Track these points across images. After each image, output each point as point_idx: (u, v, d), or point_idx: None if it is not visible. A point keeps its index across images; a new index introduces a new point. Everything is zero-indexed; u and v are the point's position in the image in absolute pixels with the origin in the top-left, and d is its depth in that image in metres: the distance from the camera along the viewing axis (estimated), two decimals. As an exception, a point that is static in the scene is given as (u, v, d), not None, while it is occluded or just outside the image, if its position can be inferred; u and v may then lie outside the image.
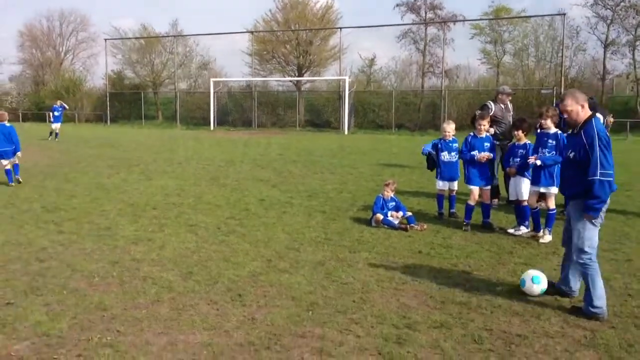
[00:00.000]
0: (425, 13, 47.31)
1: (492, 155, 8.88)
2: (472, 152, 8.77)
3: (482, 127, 8.94)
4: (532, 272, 5.81)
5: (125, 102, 51.40)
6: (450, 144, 9.45)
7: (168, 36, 53.29)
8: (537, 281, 5.66)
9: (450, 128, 9.44)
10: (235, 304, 5.51)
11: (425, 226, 8.67)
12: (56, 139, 27.83)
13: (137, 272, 6.48)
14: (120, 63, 54.58)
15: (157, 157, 19.89)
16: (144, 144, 25.96)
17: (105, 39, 52.26)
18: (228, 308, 5.39)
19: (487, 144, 8.85)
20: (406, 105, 42.81)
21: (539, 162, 7.90)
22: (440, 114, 37.75)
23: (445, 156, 9.47)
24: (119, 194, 11.70)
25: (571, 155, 5.44)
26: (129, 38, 54.05)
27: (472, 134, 8.99)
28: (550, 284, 5.79)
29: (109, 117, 49.61)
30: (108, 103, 50.03)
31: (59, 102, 30.16)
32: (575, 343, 4.66)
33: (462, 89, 43.53)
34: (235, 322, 5.06)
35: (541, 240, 7.95)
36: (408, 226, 8.66)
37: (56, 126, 28.65)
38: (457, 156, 9.40)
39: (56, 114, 28.90)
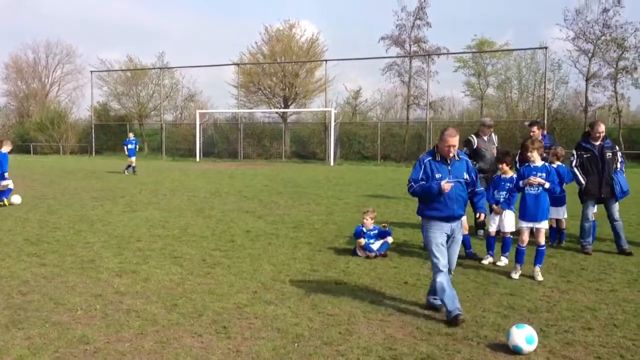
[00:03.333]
0: (410, 46, 47.90)
1: None
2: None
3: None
4: (522, 333, 5.10)
5: (111, 134, 51.28)
6: None
7: (154, 68, 53.48)
8: (531, 342, 5.08)
9: None
10: (220, 336, 5.45)
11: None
12: (134, 173, 26.81)
13: (121, 304, 6.41)
14: (106, 95, 54.64)
15: (142, 188, 19.80)
16: (129, 176, 25.85)
17: (92, 71, 52.37)
18: (213, 341, 5.34)
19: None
20: (391, 136, 43.12)
21: (547, 185, 7.69)
22: (425, 146, 38.00)
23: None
24: (103, 226, 11.62)
25: None
26: (115, 70, 54.20)
27: None
28: None
29: (94, 149, 49.47)
30: (93, 134, 49.91)
31: (131, 135, 29.05)
32: (561, 374, 4.66)
33: (446, 121, 43.99)
34: (220, 354, 5.00)
35: (513, 275, 7.75)
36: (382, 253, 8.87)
37: (132, 160, 27.51)
38: None
39: (130, 147, 27.85)
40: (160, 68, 52.80)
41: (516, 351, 5.05)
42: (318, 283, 7.37)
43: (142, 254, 9.05)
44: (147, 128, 54.48)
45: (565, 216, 10.05)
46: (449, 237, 6.26)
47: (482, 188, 6.70)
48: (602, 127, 9.41)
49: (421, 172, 6.20)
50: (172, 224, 12.00)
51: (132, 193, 18.12)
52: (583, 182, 9.41)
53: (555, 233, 9.99)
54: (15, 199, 15.02)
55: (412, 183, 6.23)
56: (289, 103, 48.78)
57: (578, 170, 9.48)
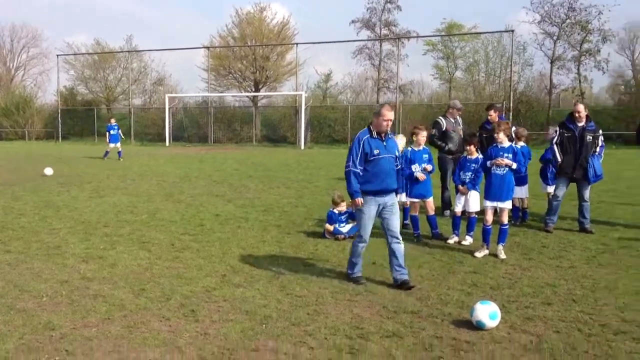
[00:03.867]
0: (380, 29, 48.00)
1: (431, 166, 9.02)
2: (413, 167, 8.91)
3: (421, 139, 9.08)
4: (486, 309, 5.23)
5: (78, 119, 50.45)
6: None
7: (122, 52, 52.72)
8: (494, 317, 5.21)
9: (400, 141, 9.59)
10: (188, 319, 5.49)
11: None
12: (120, 159, 26.39)
13: (87, 290, 6.39)
14: (72, 79, 53.72)
15: (110, 173, 19.60)
16: (97, 161, 25.54)
17: (58, 55, 51.38)
18: (181, 324, 5.37)
19: (425, 156, 8.99)
20: (362, 119, 43.09)
21: (514, 165, 7.84)
22: (395, 128, 38.20)
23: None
24: (70, 212, 11.50)
25: None
26: (82, 54, 53.31)
27: (409, 148, 9.13)
28: None
29: (60, 134, 48.65)
30: (60, 120, 49.05)
31: (113, 121, 28.24)
32: (521, 348, 4.80)
33: (416, 104, 44.24)
34: (188, 337, 5.04)
35: (476, 254, 7.90)
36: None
37: (115, 145, 26.95)
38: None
39: (112, 132, 27.20)
40: (129, 51, 52.11)
41: (479, 327, 5.18)
42: (287, 265, 7.43)
43: (110, 239, 9.01)
44: (115, 112, 53.66)
45: (527, 195, 10.25)
46: (383, 209, 6.69)
47: (401, 166, 7.08)
48: (579, 107, 9.54)
49: (360, 151, 6.60)
50: (141, 209, 11.94)
51: (100, 178, 17.93)
52: (559, 159, 9.56)
53: (518, 212, 10.19)
54: None
55: (350, 163, 6.61)
56: (260, 87, 48.51)
57: (557, 147, 9.63)
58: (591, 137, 9.44)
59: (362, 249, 6.83)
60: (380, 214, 6.75)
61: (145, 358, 4.62)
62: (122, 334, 5.13)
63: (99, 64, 52.79)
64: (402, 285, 6.46)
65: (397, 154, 6.83)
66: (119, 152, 26.89)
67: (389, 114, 6.56)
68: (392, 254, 6.71)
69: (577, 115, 9.46)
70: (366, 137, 6.65)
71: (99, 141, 44.28)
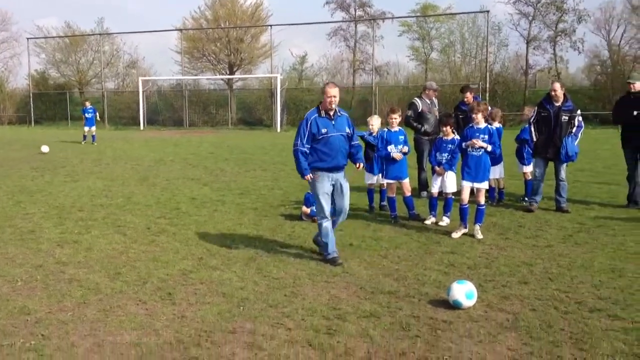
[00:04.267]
0: (355, 10, 47.77)
1: (407, 148, 9.01)
2: (388, 148, 8.90)
3: (394, 120, 9.05)
4: (462, 289, 5.24)
5: (50, 103, 49.49)
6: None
7: (93, 34, 51.71)
8: (470, 297, 5.24)
9: (374, 122, 9.59)
10: (165, 302, 5.44)
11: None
12: (93, 143, 26.09)
13: (63, 275, 6.30)
14: (44, 63, 52.48)
15: (84, 158, 19.33)
16: (70, 145, 25.16)
17: (28, 38, 50.24)
18: (157, 307, 5.32)
19: (401, 137, 8.98)
20: (338, 102, 43.12)
21: (489, 148, 7.89)
22: (371, 110, 38.20)
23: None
24: (44, 197, 11.32)
25: None
26: (53, 37, 52.15)
27: (386, 129, 9.12)
28: None
29: (32, 119, 47.76)
30: (32, 104, 48.11)
31: (88, 104, 27.82)
32: (498, 326, 4.85)
33: (392, 85, 44.21)
34: (165, 320, 5.00)
35: (454, 235, 7.92)
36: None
37: (90, 129, 26.60)
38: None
39: (87, 115, 26.79)
40: (100, 34, 51.12)
41: (456, 306, 5.22)
42: (264, 248, 7.40)
43: (84, 223, 8.89)
44: (88, 96, 52.75)
45: (503, 175, 10.31)
46: (334, 186, 6.94)
47: (358, 142, 7.24)
48: (556, 86, 9.58)
49: (307, 130, 6.80)
50: (115, 193, 11.80)
51: (74, 163, 17.68)
52: (535, 138, 9.63)
53: (494, 192, 10.26)
54: None
55: (298, 142, 6.82)
56: (235, 69, 48.05)
57: (533, 127, 9.68)
58: (567, 117, 9.48)
59: (328, 225, 6.89)
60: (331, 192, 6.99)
61: (121, 341, 4.57)
62: (98, 317, 5.08)
63: (70, 47, 51.72)
64: (332, 262, 6.73)
65: (347, 131, 6.96)
66: (93, 136, 26.57)
67: (331, 91, 6.75)
68: (335, 227, 7.14)
69: (553, 94, 9.51)
70: (314, 116, 6.86)
71: (72, 125, 43.64)
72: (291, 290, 5.78)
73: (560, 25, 41.44)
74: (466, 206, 8.00)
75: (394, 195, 9.00)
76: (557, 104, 9.52)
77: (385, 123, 9.32)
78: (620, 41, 41.83)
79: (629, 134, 9.94)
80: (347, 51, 47.20)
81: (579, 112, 9.75)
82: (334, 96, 6.78)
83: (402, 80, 46.60)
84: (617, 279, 6.03)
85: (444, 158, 8.79)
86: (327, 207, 6.88)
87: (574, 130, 9.54)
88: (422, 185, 11.04)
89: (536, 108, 9.83)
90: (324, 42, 68.23)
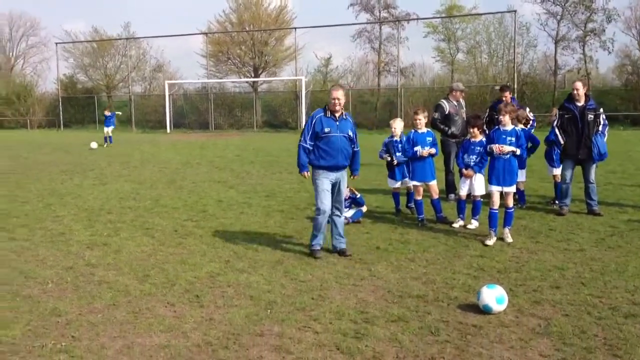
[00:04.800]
0: (379, 12, 47.59)
1: (435, 150, 8.89)
2: (415, 148, 8.81)
3: (419, 121, 8.95)
4: (492, 293, 5.16)
5: (79, 107, 50.28)
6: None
7: (120, 39, 52.37)
8: (501, 302, 5.15)
9: (397, 125, 9.49)
10: (192, 305, 5.46)
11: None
12: (110, 144, 27.22)
13: (92, 277, 6.37)
14: (72, 67, 53.39)
15: (112, 161, 19.56)
16: (99, 149, 25.48)
17: (57, 43, 51.15)
18: (185, 309, 5.34)
19: (429, 139, 8.88)
20: (363, 104, 43.08)
21: (518, 152, 7.80)
22: (397, 112, 38.06)
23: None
24: (73, 199, 11.47)
25: None
26: (81, 41, 52.98)
27: (413, 130, 9.03)
28: None
29: (62, 122, 48.55)
30: (61, 108, 48.94)
31: (107, 112, 29.03)
32: (529, 332, 4.76)
33: (418, 87, 44.01)
34: (193, 323, 5.01)
35: (487, 242, 7.66)
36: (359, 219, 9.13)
37: (108, 130, 27.85)
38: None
39: (107, 117, 28.30)
40: (127, 38, 51.75)
41: (486, 311, 5.14)
42: (290, 250, 7.39)
43: (113, 226, 8.98)
44: (116, 100, 53.50)
45: (525, 179, 10.14)
46: (334, 185, 7.22)
47: (359, 149, 7.56)
48: (578, 85, 9.43)
49: (312, 128, 7.12)
50: (143, 195, 11.90)
51: (102, 166, 17.90)
52: (562, 142, 9.47)
53: (524, 195, 10.11)
54: None
55: (302, 139, 7.18)
56: (259, 72, 48.26)
57: (559, 130, 9.51)
58: (592, 116, 9.32)
59: (322, 220, 7.17)
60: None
61: (150, 343, 4.59)
62: (128, 319, 5.11)
63: (98, 51, 52.49)
64: (341, 253, 7.16)
65: (350, 134, 7.22)
66: (110, 138, 27.45)
67: (335, 94, 7.06)
68: (334, 225, 7.34)
69: (575, 93, 9.35)
70: (319, 115, 7.17)
71: (100, 128, 44.16)
72: (318, 294, 5.75)
73: (590, 25, 40.75)
74: (496, 211, 7.83)
75: (422, 198, 8.92)
76: (580, 104, 9.36)
77: (412, 125, 9.25)
78: (651, 40, 41.04)
79: None
80: (371, 53, 47.08)
81: (601, 110, 9.60)
82: (338, 98, 7.05)
83: (427, 82, 46.35)
84: (652, 283, 5.89)
85: (472, 160, 8.67)
86: (326, 203, 7.15)
87: (600, 128, 9.38)
88: (450, 187, 10.93)
89: (558, 111, 9.67)
90: (348, 44, 68.16)
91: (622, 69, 42.55)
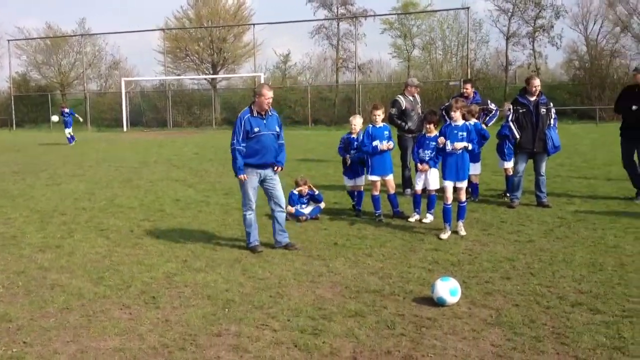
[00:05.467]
0: (337, 9, 47.70)
1: (392, 144, 8.98)
2: (374, 143, 8.88)
3: (377, 117, 9.03)
4: (446, 286, 5.28)
5: (32, 106, 48.98)
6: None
7: (75, 35, 51.25)
8: (454, 294, 5.27)
9: (357, 122, 9.50)
10: (148, 306, 5.42)
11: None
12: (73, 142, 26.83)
13: (45, 280, 6.26)
14: (25, 65, 51.96)
15: (66, 160, 19.18)
16: (53, 148, 24.95)
17: (9, 40, 49.69)
18: (141, 311, 5.30)
19: (386, 133, 8.96)
20: (322, 100, 43.13)
21: (470, 146, 7.94)
22: (355, 108, 38.24)
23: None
24: (25, 201, 11.22)
25: None
26: (34, 38, 51.60)
27: (371, 125, 9.10)
28: None
29: (14, 122, 47.28)
30: (13, 107, 47.63)
31: (66, 108, 28.50)
32: (481, 322, 4.88)
33: (375, 83, 44.34)
34: (149, 325, 4.98)
35: (442, 236, 7.78)
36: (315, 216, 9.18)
37: (69, 130, 27.30)
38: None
39: (66, 118, 27.63)
40: (82, 35, 50.64)
41: (440, 303, 5.24)
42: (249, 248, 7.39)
43: (67, 227, 8.83)
44: (71, 98, 52.37)
45: (479, 172, 10.33)
46: (264, 181, 7.40)
47: (284, 141, 7.66)
48: (537, 81, 9.69)
49: (242, 129, 7.19)
50: (98, 195, 11.72)
51: (56, 166, 17.53)
52: (518, 136, 9.66)
53: (477, 189, 10.30)
54: None
55: (234, 141, 7.20)
56: (218, 69, 47.91)
57: (514, 124, 9.71)
58: (545, 110, 9.59)
59: (252, 217, 7.39)
60: (263, 185, 7.46)
61: (105, 347, 4.55)
62: (81, 323, 5.04)
63: (52, 48, 51.24)
64: (288, 247, 7.35)
65: (277, 130, 7.43)
66: (71, 137, 26.95)
67: (269, 94, 7.22)
68: (275, 220, 7.46)
69: (533, 89, 9.59)
70: (247, 116, 7.26)
71: (54, 128, 43.24)
72: (276, 291, 5.78)
73: (539, 21, 41.78)
74: (450, 206, 7.96)
75: (379, 193, 9.01)
76: (533, 99, 9.61)
77: (370, 120, 9.30)
78: (597, 36, 42.18)
79: (629, 126, 10.00)
80: (330, 49, 47.17)
81: (551, 104, 9.96)
82: (271, 98, 7.25)
83: (385, 78, 46.78)
84: (598, 272, 6.09)
85: (427, 155, 8.81)
86: (253, 200, 7.37)
87: (551, 122, 9.67)
88: (406, 182, 11.07)
89: (511, 106, 9.88)
90: (307, 41, 68.09)
91: (569, 64, 43.73)
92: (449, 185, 8.02)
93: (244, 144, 7.21)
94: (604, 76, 38.94)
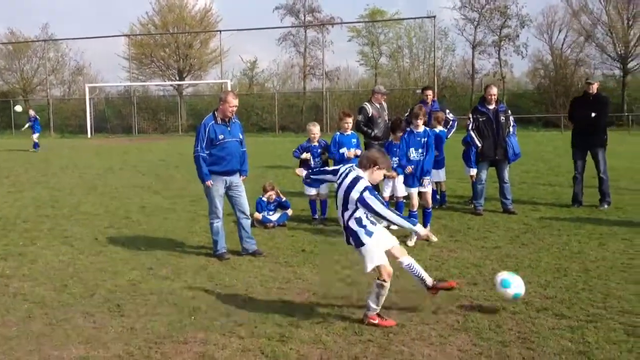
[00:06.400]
0: (304, 16, 47.89)
1: (359, 151, 9.03)
2: (341, 150, 8.92)
3: (348, 124, 9.09)
4: (503, 277, 5.30)
5: (-7, 111, 47.99)
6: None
7: (38, 41, 50.35)
8: (506, 285, 5.23)
9: (317, 130, 9.46)
10: (113, 315, 5.33)
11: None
12: (36, 150, 26.17)
13: (7, 288, 6.11)
14: (-14, 71, 50.89)
15: (29, 167, 18.79)
16: (15, 155, 24.42)
17: (-31, 45, 48.62)
18: (105, 320, 5.20)
19: (354, 141, 9.02)
20: (289, 107, 43.18)
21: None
22: (322, 115, 38.36)
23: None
24: (-14, 208, 10.96)
25: None
26: (-5, 43, 50.60)
27: (338, 133, 9.13)
28: None
29: (-26, 128, 46.17)
30: (-27, 113, 46.54)
31: (32, 112, 28.13)
32: (448, 328, 4.91)
33: (343, 91, 44.56)
34: (114, 333, 4.89)
35: (409, 243, 7.76)
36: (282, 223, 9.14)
37: (35, 135, 26.81)
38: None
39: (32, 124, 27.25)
40: (45, 40, 49.79)
41: (516, 298, 5.24)
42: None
43: (29, 235, 8.64)
44: (33, 104, 51.31)
45: (445, 179, 10.44)
46: (229, 188, 7.35)
47: (245, 149, 7.66)
48: (494, 90, 9.86)
49: (206, 137, 7.13)
50: (62, 203, 11.50)
51: (18, 172, 17.17)
52: (479, 144, 9.78)
53: (437, 195, 10.38)
54: None
55: (198, 148, 7.14)
56: (184, 75, 47.60)
57: (474, 133, 9.84)
58: (504, 118, 9.76)
59: (219, 224, 7.33)
60: (228, 193, 7.40)
61: (68, 356, 4.45)
62: (44, 332, 4.93)
63: (14, 54, 50.27)
64: (255, 254, 7.28)
65: (241, 137, 7.44)
66: (36, 143, 26.52)
67: (234, 101, 7.20)
68: (242, 228, 7.42)
69: (490, 97, 9.75)
70: (211, 123, 7.21)
71: (16, 134, 42.35)
72: (243, 298, 5.74)
73: (505, 30, 42.66)
74: (416, 212, 8.06)
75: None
76: (492, 107, 9.76)
77: (338, 127, 9.34)
78: (562, 45, 43.15)
79: (581, 134, 10.15)
80: (297, 56, 47.32)
81: (509, 112, 10.14)
82: (236, 106, 7.22)
83: (352, 86, 47.02)
84: (562, 278, 6.20)
85: (394, 162, 8.85)
86: (220, 208, 7.31)
87: (510, 129, 9.84)
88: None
89: (471, 115, 10.02)
90: (274, 48, 68.02)
91: (535, 73, 44.67)
92: (413, 191, 8.11)
93: (207, 151, 7.16)
94: (568, 85, 39.85)
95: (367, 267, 5.10)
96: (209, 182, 7.21)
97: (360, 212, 5.07)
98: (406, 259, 5.39)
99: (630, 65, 41.14)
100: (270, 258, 7.19)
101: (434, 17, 39.63)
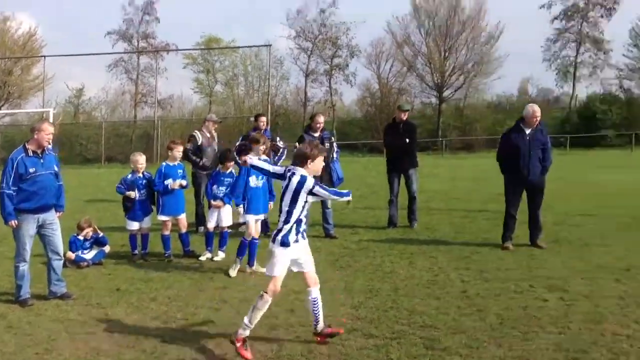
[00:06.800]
0: (138, 42, 46.58)
1: (185, 182, 8.82)
2: (166, 182, 8.63)
3: (179, 153, 8.89)
4: None
5: None
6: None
7: None
8: None
9: (142, 160, 9.06)
10: None
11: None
12: None
13: None
14: None
15: None
16: None
17: None
18: None
19: (180, 171, 8.80)
20: (118, 136, 41.46)
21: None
22: (153, 145, 37.24)
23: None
24: None
25: None
26: None
27: (164, 163, 8.86)
28: None
29: None
30: None
31: None
32: (262, 357, 4.88)
33: (176, 119, 43.72)
34: None
35: (231, 272, 7.70)
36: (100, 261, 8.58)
37: None
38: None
39: None
40: None
41: None
42: (15, 302, 6.67)
43: None
44: None
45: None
46: (42, 227, 6.73)
47: (62, 182, 7.11)
48: (321, 119, 10.19)
49: (14, 172, 6.45)
50: None
51: None
52: None
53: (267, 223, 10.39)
54: None
55: (4, 185, 6.44)
56: (1, 104, 44.04)
57: None
58: (328, 144, 10.06)
59: (25, 268, 6.71)
60: (40, 232, 6.76)
61: None
62: None
63: None
64: (64, 297, 6.75)
65: (56, 169, 6.83)
66: None
67: (50, 129, 6.60)
68: (52, 270, 6.83)
69: (317, 125, 10.04)
70: (21, 156, 6.54)
71: None
72: (45, 347, 5.27)
73: (335, 60, 44.55)
74: (247, 241, 7.81)
75: (169, 232, 8.73)
76: (317, 134, 10.06)
77: (167, 157, 9.01)
78: (388, 75, 45.94)
79: (395, 159, 10.71)
80: (129, 83, 45.80)
81: (333, 138, 10.58)
82: (52, 133, 6.63)
83: (186, 114, 46.32)
84: (374, 298, 6.44)
85: (221, 192, 8.72)
86: (29, 250, 6.71)
87: (334, 155, 10.18)
88: (200, 220, 10.86)
89: (297, 143, 10.19)
90: (104, 74, 65.16)
91: (363, 101, 47.12)
92: (254, 218, 7.86)
93: (14, 188, 6.45)
94: (391, 112, 42.21)
95: (267, 269, 5.31)
96: (12, 223, 6.50)
97: (304, 214, 5.21)
98: (315, 292, 5.38)
99: (445, 93, 44.80)
100: (80, 300, 6.69)
101: (270, 45, 40.27)
